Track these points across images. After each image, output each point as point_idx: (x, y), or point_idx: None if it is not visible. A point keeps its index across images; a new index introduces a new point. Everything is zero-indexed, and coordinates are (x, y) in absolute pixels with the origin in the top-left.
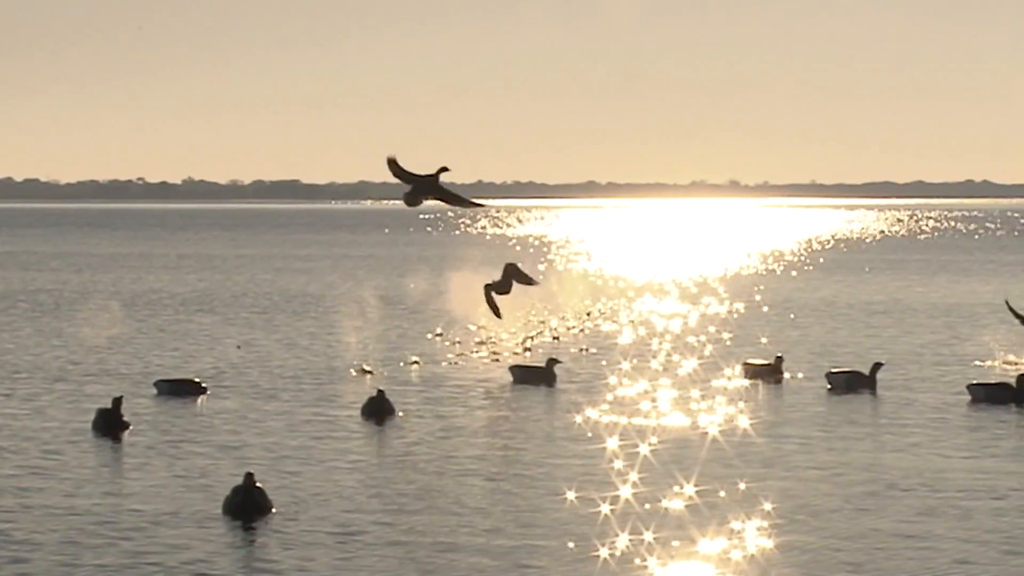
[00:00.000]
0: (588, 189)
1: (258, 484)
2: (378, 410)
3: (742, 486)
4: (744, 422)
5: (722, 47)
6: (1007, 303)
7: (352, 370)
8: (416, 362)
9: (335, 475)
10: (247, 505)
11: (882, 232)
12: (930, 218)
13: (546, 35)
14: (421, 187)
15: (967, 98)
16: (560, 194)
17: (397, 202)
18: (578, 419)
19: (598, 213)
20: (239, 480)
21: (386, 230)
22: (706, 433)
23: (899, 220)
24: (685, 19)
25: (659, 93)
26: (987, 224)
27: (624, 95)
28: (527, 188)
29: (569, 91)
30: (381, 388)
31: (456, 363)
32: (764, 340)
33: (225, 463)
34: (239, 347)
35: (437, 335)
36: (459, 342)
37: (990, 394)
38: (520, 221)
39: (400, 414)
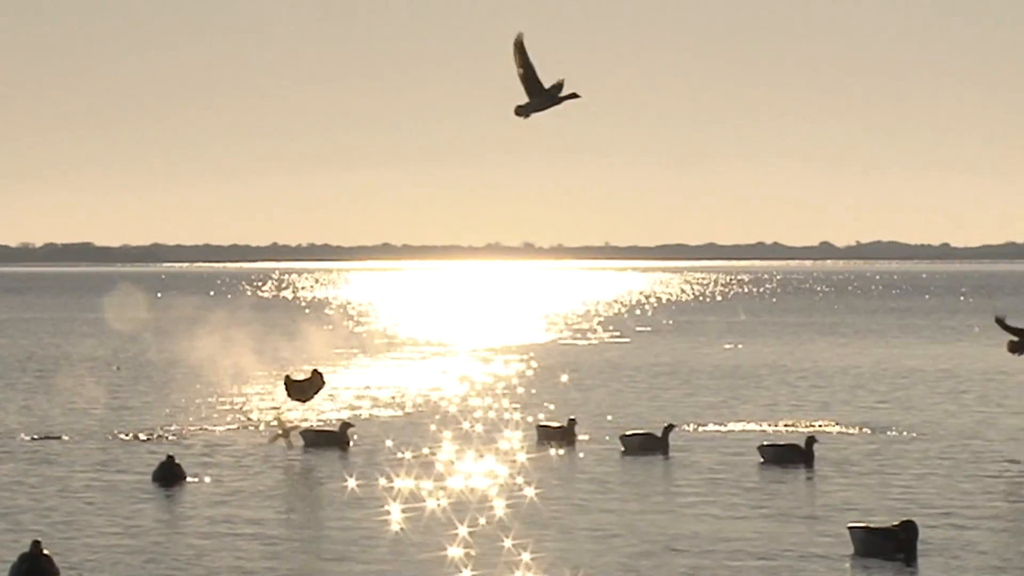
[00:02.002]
0: (383, 251)
1: (45, 551)
2: (169, 475)
3: (523, 548)
4: (535, 484)
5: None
6: (998, 320)
7: (142, 434)
8: (208, 426)
9: (126, 540)
10: (34, 573)
11: (672, 294)
12: (720, 280)
13: (341, 98)
14: (546, 99)
15: (757, 162)
16: (355, 256)
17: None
18: (369, 482)
19: (393, 275)
20: (26, 548)
21: (158, 294)
22: (495, 496)
23: (690, 282)
24: (476, 83)
25: (453, 156)
26: (774, 285)
27: (418, 157)
28: (322, 250)
29: (363, 153)
30: (171, 453)
31: (248, 427)
32: (556, 403)
33: (9, 530)
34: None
35: (226, 399)
36: (250, 406)
37: (780, 455)
38: (314, 284)
39: (191, 479)
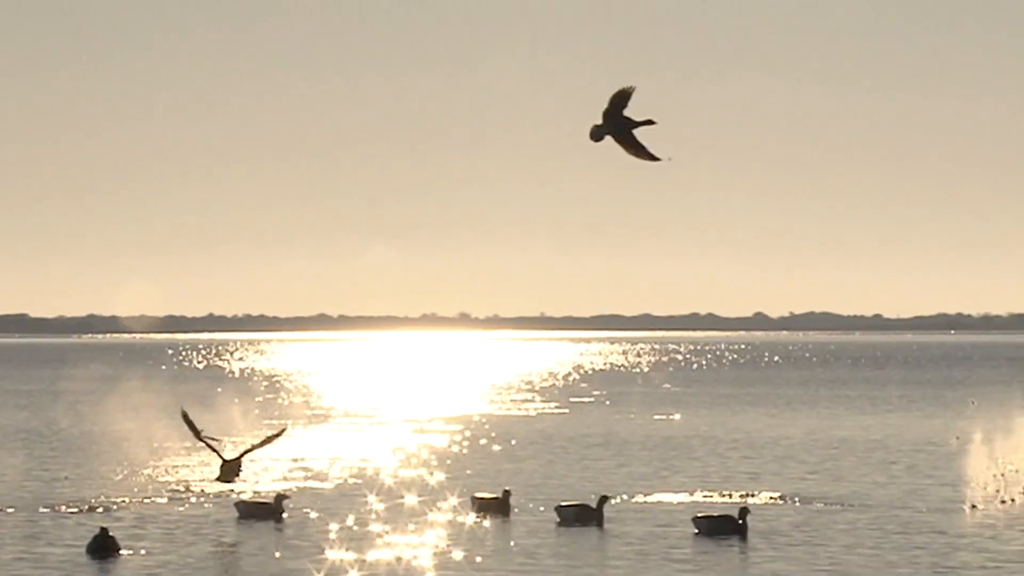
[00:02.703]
0: (320, 322)
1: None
2: (102, 547)
3: None
4: (470, 556)
5: (447, 184)
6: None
7: (73, 506)
8: (140, 497)
9: None
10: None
11: (606, 364)
12: (654, 351)
13: (277, 171)
14: (619, 125)
15: (692, 234)
16: (291, 327)
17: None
18: (303, 554)
19: (330, 346)
20: None
21: (92, 365)
22: (429, 568)
23: (624, 353)
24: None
25: (389, 227)
26: (708, 356)
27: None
28: (258, 321)
29: (300, 224)
30: (104, 525)
31: (182, 498)
32: (490, 474)
33: None
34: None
35: (156, 470)
36: (184, 477)
37: (714, 526)
38: (250, 354)
39: (125, 551)
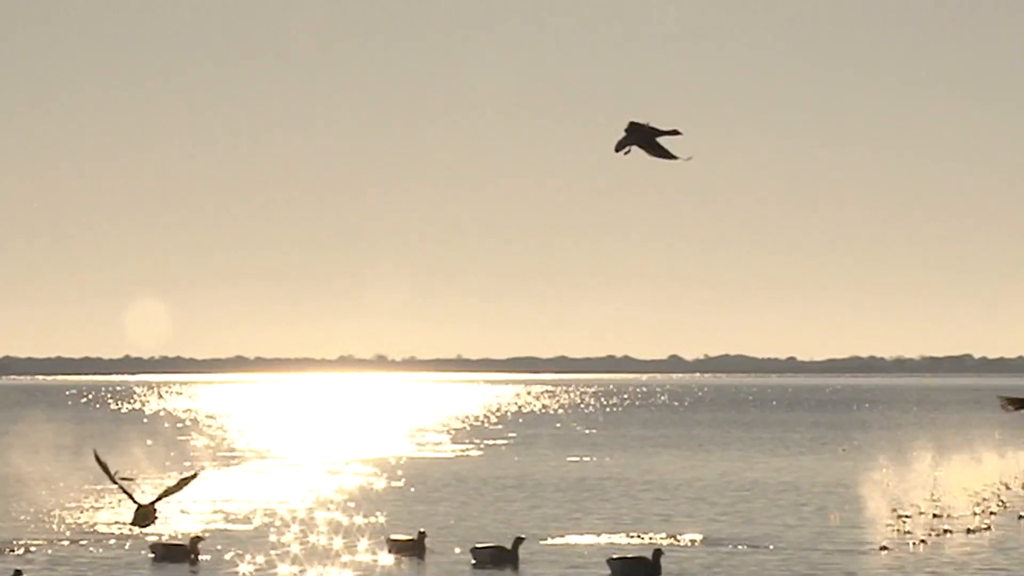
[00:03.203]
0: (236, 364)
1: None
2: None
3: None
4: None
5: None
6: (1002, 400)
7: None
8: (52, 539)
9: None
10: None
11: (522, 406)
12: (569, 392)
13: (192, 212)
14: (644, 135)
15: (608, 278)
16: (208, 369)
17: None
18: None
19: (246, 388)
20: None
21: (7, 408)
22: None
23: (540, 395)
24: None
25: (306, 270)
26: (623, 398)
27: (272, 271)
28: (175, 363)
29: (217, 266)
30: (18, 568)
31: (97, 540)
32: (405, 515)
33: None
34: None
35: (68, 512)
36: (99, 519)
37: (627, 568)
38: (168, 396)
39: None
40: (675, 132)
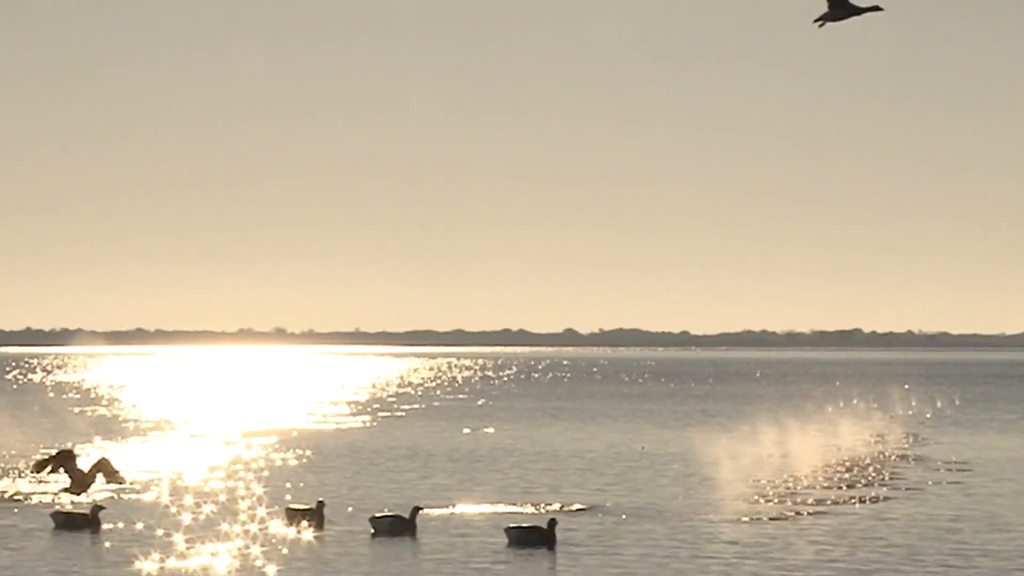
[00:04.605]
0: (137, 336)
1: None
2: None
3: None
4: (284, 566)
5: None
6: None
7: None
8: None
9: None
10: None
11: (417, 379)
12: (464, 366)
13: (98, 185)
14: (846, 8)
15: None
16: (108, 341)
17: None
18: (124, 565)
19: (146, 360)
20: None
21: None
22: None
23: (435, 368)
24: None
25: (206, 242)
26: (516, 371)
27: (171, 244)
28: (75, 335)
29: (117, 238)
30: None
31: None
32: (300, 485)
33: None
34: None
35: None
36: (1, 487)
37: (524, 537)
38: (68, 368)
39: None
40: (876, 8)
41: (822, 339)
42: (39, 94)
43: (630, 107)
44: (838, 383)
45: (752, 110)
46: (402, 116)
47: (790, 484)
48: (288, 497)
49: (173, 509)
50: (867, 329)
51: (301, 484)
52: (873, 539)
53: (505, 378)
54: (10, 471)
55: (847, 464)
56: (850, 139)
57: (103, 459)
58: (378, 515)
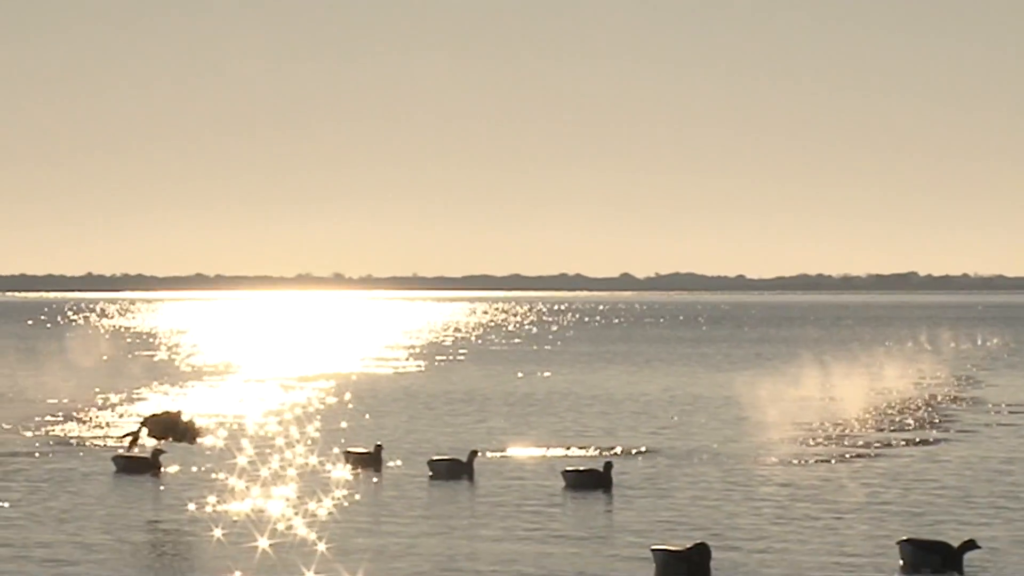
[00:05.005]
0: (197, 282)
1: None
2: None
3: (332, 573)
4: (343, 509)
5: (323, 149)
6: None
7: None
8: (16, 452)
9: None
10: None
11: (475, 323)
12: (522, 310)
13: (160, 132)
14: None
15: (561, 197)
16: (169, 286)
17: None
18: (184, 508)
19: (206, 305)
20: None
21: None
22: (303, 521)
23: (492, 312)
24: (290, 122)
25: (266, 189)
26: (578, 316)
27: (232, 191)
28: (136, 281)
29: (179, 185)
30: None
31: (60, 452)
32: (359, 429)
33: None
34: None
35: (32, 423)
36: (62, 432)
37: (580, 479)
38: (129, 313)
39: (6, 504)
40: None
41: (877, 282)
42: (112, 36)
43: (687, 51)
44: (892, 326)
45: (809, 53)
46: (459, 61)
47: (842, 426)
48: (344, 441)
49: (231, 453)
50: (923, 272)
51: (358, 428)
52: (925, 480)
53: (561, 322)
54: (70, 415)
55: (899, 406)
56: (908, 82)
57: (191, 419)
58: (436, 458)
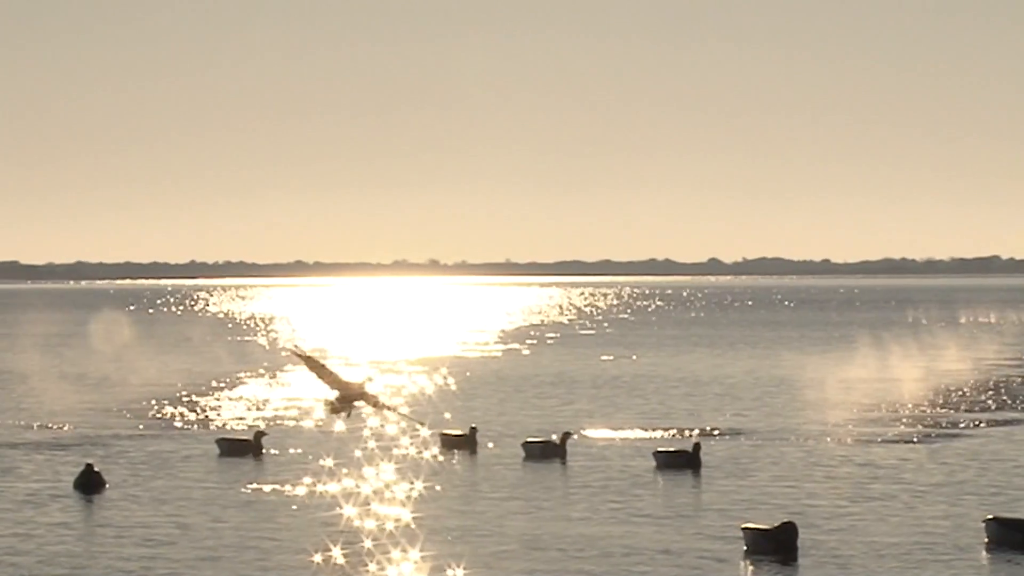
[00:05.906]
0: (296, 268)
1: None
2: (89, 483)
3: (430, 553)
4: (440, 490)
5: (418, 136)
6: None
7: (59, 442)
8: (121, 434)
9: (49, 547)
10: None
11: (567, 308)
12: (611, 295)
13: (256, 123)
14: None
15: (650, 184)
16: (269, 273)
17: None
18: (284, 489)
19: (305, 291)
20: None
21: (81, 309)
22: (402, 502)
23: (582, 296)
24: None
25: (363, 177)
26: (665, 300)
27: (330, 179)
28: (238, 267)
29: (278, 174)
30: (90, 461)
31: (163, 435)
32: (451, 412)
33: None
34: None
35: (142, 408)
36: (166, 415)
37: (670, 460)
38: (230, 299)
39: (111, 487)
40: None
41: (961, 266)
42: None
43: (771, 37)
44: (975, 308)
45: (889, 38)
46: (552, 48)
47: (923, 407)
48: (441, 423)
49: (331, 436)
50: (1005, 256)
51: (452, 411)
52: (1003, 460)
53: (649, 307)
54: (175, 399)
55: (978, 387)
56: (989, 65)
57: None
58: (529, 440)
